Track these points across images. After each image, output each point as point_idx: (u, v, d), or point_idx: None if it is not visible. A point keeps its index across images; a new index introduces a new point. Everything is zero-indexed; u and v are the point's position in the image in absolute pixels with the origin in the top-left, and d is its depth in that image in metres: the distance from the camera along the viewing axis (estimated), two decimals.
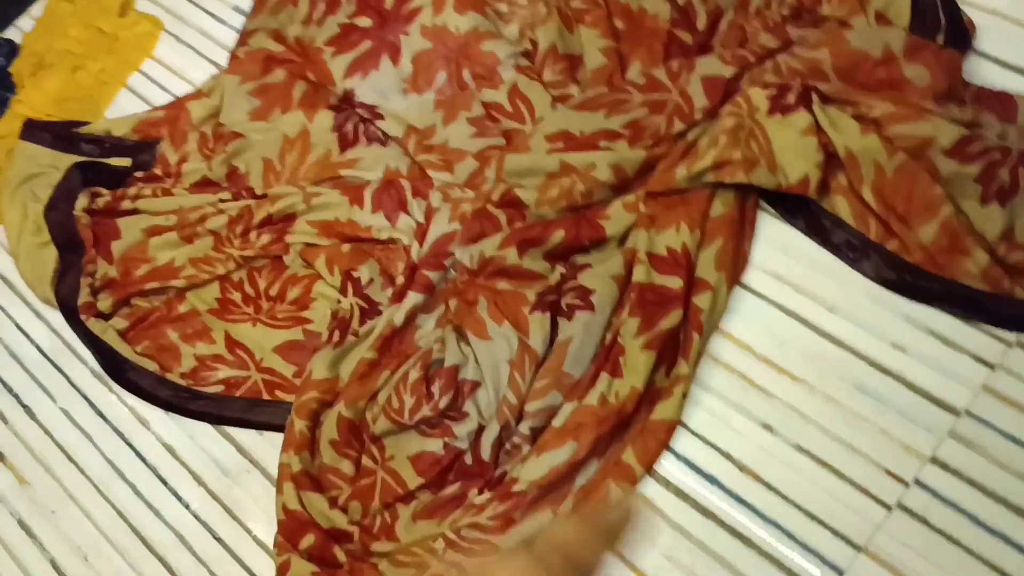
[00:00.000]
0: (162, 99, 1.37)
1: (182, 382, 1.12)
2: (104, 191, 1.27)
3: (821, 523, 0.89)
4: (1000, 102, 1.02)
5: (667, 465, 0.94)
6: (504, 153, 1.11)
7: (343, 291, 1.10)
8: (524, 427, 0.96)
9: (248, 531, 1.04)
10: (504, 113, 1.17)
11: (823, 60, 1.06)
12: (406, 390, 1.00)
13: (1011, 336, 0.92)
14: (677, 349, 0.98)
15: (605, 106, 1.11)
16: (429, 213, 1.12)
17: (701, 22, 1.17)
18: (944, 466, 0.88)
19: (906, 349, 0.94)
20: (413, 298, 1.06)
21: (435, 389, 1.00)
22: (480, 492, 0.95)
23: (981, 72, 1.06)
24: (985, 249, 0.93)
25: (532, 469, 0.93)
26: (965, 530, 0.86)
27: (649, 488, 0.94)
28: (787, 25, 1.11)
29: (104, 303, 1.18)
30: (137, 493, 1.09)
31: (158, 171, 1.28)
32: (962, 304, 0.94)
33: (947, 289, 0.94)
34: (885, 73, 1.03)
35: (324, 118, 1.24)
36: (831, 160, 1.01)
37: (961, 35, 1.06)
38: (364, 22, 1.29)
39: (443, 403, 0.98)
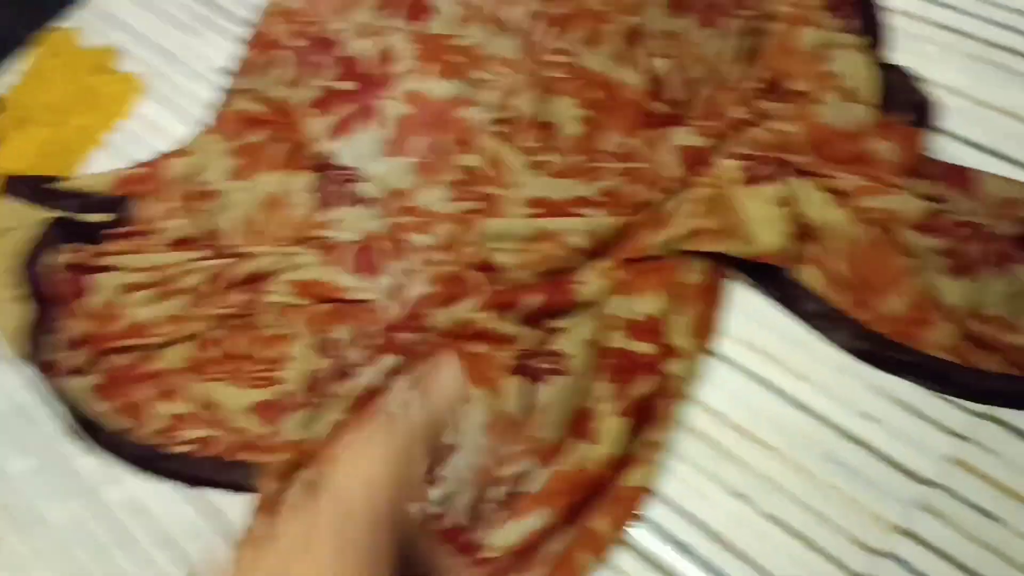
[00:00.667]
0: (142, 156, 1.37)
1: (154, 441, 1.11)
2: (82, 246, 1.27)
3: None
4: (963, 178, 1.05)
5: (639, 533, 0.94)
6: (482, 217, 1.13)
7: (319, 351, 1.10)
8: (498, 493, 0.96)
9: None
10: (482, 178, 1.19)
11: (795, 134, 1.08)
12: None
13: (978, 408, 0.93)
14: (651, 416, 0.98)
15: (582, 174, 1.13)
16: (406, 275, 1.12)
17: (676, 93, 1.20)
18: (914, 537, 0.89)
19: (876, 419, 0.95)
20: (389, 360, 1.06)
21: None
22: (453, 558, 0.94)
23: (945, 149, 1.09)
24: (953, 322, 0.95)
25: (505, 535, 0.93)
26: None
27: (621, 556, 0.93)
28: (759, 99, 1.13)
29: (78, 359, 1.17)
30: (105, 552, 1.08)
31: (137, 227, 1.28)
32: (930, 376, 0.95)
33: (916, 360, 0.95)
34: (855, 148, 1.06)
35: (303, 179, 1.25)
36: (802, 231, 1.03)
37: (926, 113, 1.09)
38: (347, 86, 1.31)
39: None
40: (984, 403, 0.94)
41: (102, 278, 1.24)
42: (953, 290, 0.96)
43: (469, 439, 0.98)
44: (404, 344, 1.07)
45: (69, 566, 1.07)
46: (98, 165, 1.39)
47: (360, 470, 0.40)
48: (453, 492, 0.98)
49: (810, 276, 1.01)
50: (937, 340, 0.95)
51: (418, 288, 1.10)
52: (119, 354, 1.17)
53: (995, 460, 0.91)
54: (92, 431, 1.14)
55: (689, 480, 0.96)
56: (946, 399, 0.95)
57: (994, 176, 1.04)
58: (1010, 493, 0.90)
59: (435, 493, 0.98)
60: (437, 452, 1.00)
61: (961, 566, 0.87)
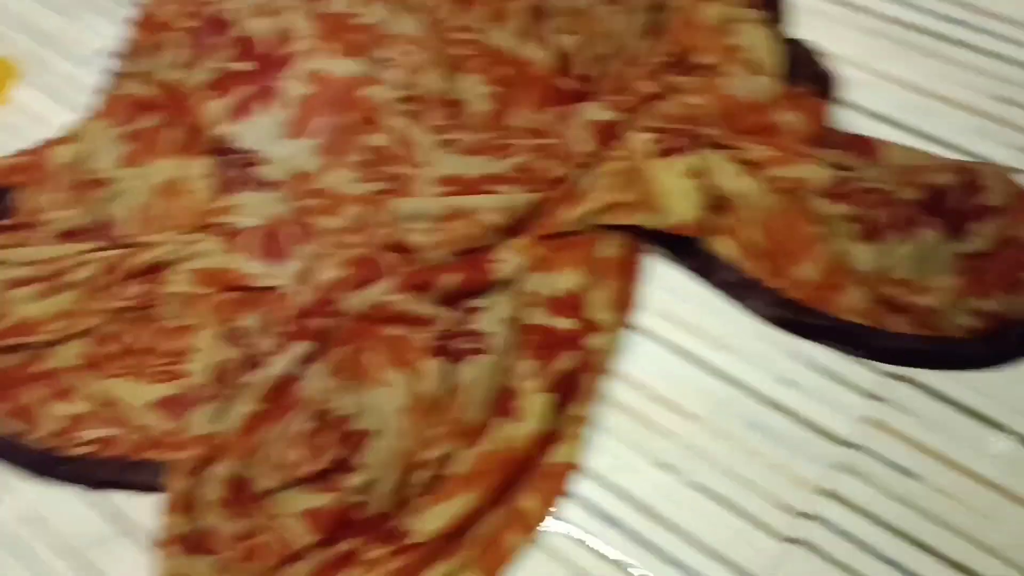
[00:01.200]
0: (20, 145, 1.28)
1: (50, 444, 1.03)
2: None
3: (722, 559, 0.89)
4: (865, 146, 1.07)
5: (567, 508, 0.93)
6: (391, 197, 1.10)
7: (227, 341, 1.05)
8: (420, 477, 0.93)
9: None
10: (389, 157, 1.16)
11: (701, 106, 1.09)
12: (294, 444, 0.96)
13: (891, 369, 0.96)
14: (573, 391, 0.97)
15: (492, 150, 1.11)
16: (316, 259, 1.08)
17: (582, 69, 1.19)
18: (835, 496, 0.90)
19: (794, 384, 0.96)
20: (299, 347, 1.02)
21: (325, 441, 0.96)
22: (375, 547, 0.91)
23: (846, 119, 1.11)
24: (864, 286, 0.97)
25: (429, 520, 0.90)
26: (859, 559, 0.87)
27: (550, 533, 0.92)
28: (665, 73, 1.14)
29: None
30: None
31: (17, 220, 1.20)
32: (843, 339, 0.97)
33: (828, 324, 0.97)
34: (759, 119, 1.08)
35: (199, 164, 1.19)
36: (715, 202, 1.04)
37: (827, 84, 1.12)
38: (243, 66, 1.26)
39: (333, 455, 0.94)
40: (897, 364, 0.96)
41: None
42: (863, 255, 0.98)
43: (389, 423, 0.95)
44: (317, 330, 1.03)
45: None
46: None
47: None
48: (374, 478, 0.94)
49: (725, 246, 1.02)
50: (850, 304, 0.97)
51: (329, 272, 1.06)
52: (5, 354, 1.09)
53: (910, 419, 0.93)
54: None
55: (615, 453, 0.95)
56: (861, 361, 0.97)
57: (895, 145, 1.07)
58: (925, 450, 0.92)
59: (355, 480, 0.94)
60: (352, 439, 0.97)
61: (883, 523, 0.89)
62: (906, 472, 0.91)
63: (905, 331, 0.95)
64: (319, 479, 0.95)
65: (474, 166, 1.10)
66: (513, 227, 1.07)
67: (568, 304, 1.00)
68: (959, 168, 1.02)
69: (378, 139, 1.16)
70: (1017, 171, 1.04)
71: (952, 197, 0.99)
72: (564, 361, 0.96)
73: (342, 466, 0.95)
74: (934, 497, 0.90)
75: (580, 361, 0.98)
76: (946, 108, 1.10)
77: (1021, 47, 1.13)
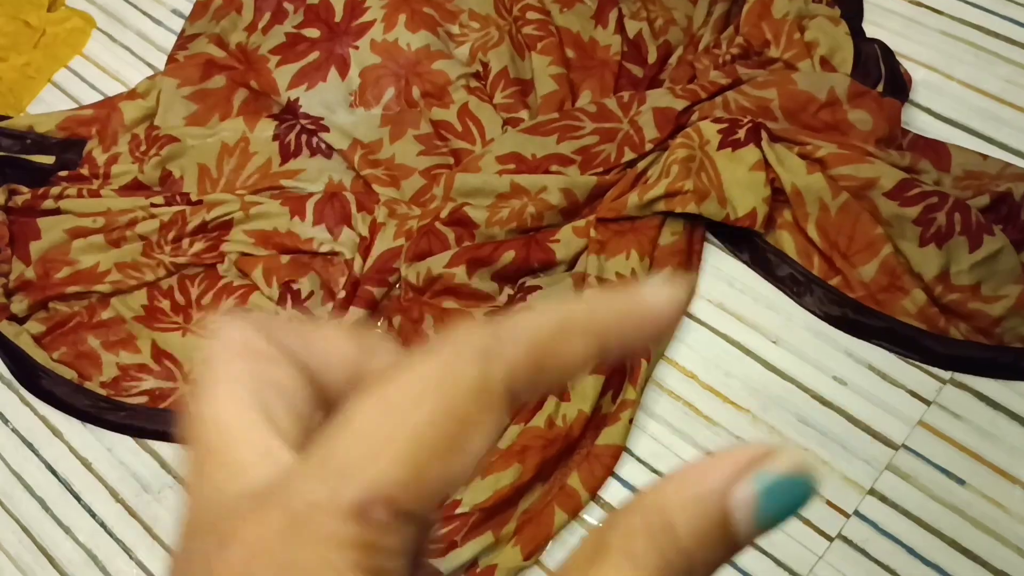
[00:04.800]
0: (91, 98, 1.31)
1: (102, 392, 1.06)
2: (23, 189, 1.20)
3: (765, 553, 0.89)
4: (934, 150, 1.06)
5: (612, 491, 0.93)
6: (454, 172, 1.10)
7: (281, 303, 1.06)
8: None
9: (169, 551, 0.98)
10: (453, 132, 1.16)
11: (771, 100, 1.08)
12: None
13: (945, 374, 0.95)
14: (624, 375, 0.98)
15: (556, 131, 1.11)
16: (374, 228, 1.09)
17: (651, 56, 1.19)
18: (883, 498, 0.90)
19: (846, 383, 0.96)
20: (355, 313, 1.03)
21: None
22: None
23: (916, 121, 1.10)
24: (922, 289, 0.96)
25: (475, 492, 0.91)
26: (902, 561, 0.87)
27: (594, 514, 0.93)
28: (736, 64, 1.13)
29: (19, 306, 1.11)
30: (46, 508, 1.03)
31: (84, 171, 1.22)
32: (900, 341, 0.96)
33: (886, 326, 0.97)
34: (829, 116, 1.07)
35: (265, 127, 1.21)
36: (777, 196, 1.03)
37: (899, 85, 1.11)
38: (312, 33, 1.27)
39: None
40: (951, 369, 0.95)
41: (46, 222, 1.18)
42: (924, 258, 0.97)
43: None
44: (370, 298, 1.04)
45: (6, 521, 1.02)
46: (47, 105, 1.31)
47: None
48: None
49: (786, 241, 1.02)
50: (907, 306, 0.97)
51: (388, 242, 1.07)
52: (69, 300, 1.11)
53: (962, 425, 0.93)
54: (33, 381, 1.08)
55: (662, 439, 0.96)
56: (915, 364, 0.96)
57: (963, 149, 1.05)
58: (973, 456, 0.92)
59: None
60: None
61: (927, 526, 0.89)
62: (955, 477, 0.91)
63: (964, 338, 0.95)
64: None
65: (535, 146, 1.11)
66: (574, 209, 1.07)
67: None
68: None
69: (443, 113, 1.17)
70: None
71: (1021, 206, 0.98)
72: None
73: None
74: (981, 504, 0.89)
75: None
76: (1017, 115, 1.09)
77: None
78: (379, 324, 1.04)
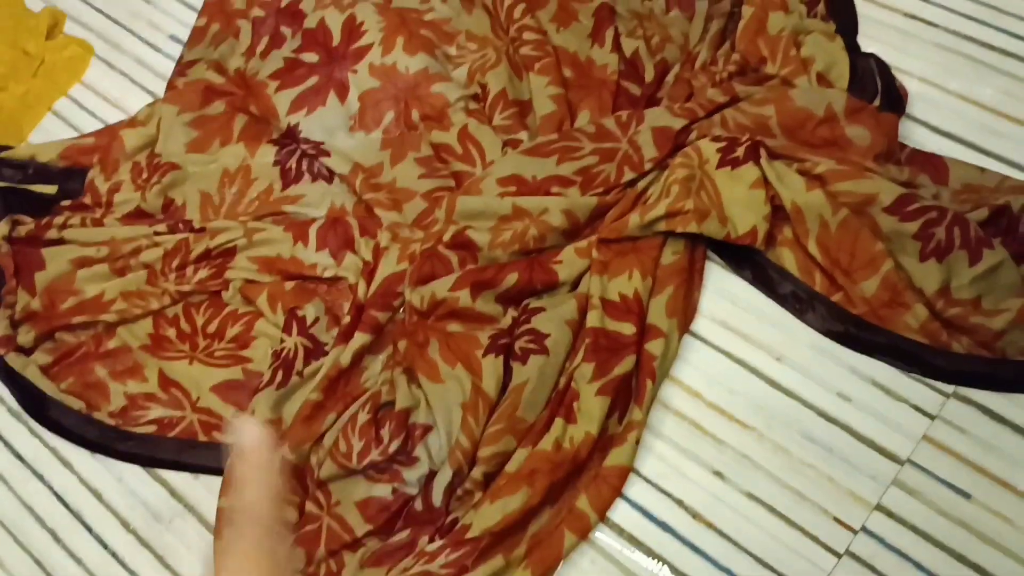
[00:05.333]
0: (92, 126, 1.32)
1: (110, 421, 1.06)
2: (27, 219, 1.21)
3: (772, 570, 0.90)
4: (932, 164, 1.07)
5: (621, 512, 0.94)
6: (455, 194, 1.11)
7: (286, 330, 1.07)
8: (477, 472, 0.94)
9: None
10: (453, 155, 1.17)
11: (769, 116, 1.09)
12: (354, 433, 0.98)
13: (948, 388, 0.96)
14: (630, 395, 0.98)
15: (556, 152, 1.12)
16: (377, 252, 1.10)
17: (649, 75, 1.20)
18: (889, 513, 0.91)
19: (851, 399, 0.97)
20: (360, 338, 1.04)
21: (384, 433, 0.97)
22: (431, 539, 0.93)
23: (914, 135, 1.11)
24: (924, 304, 0.97)
25: (485, 516, 0.92)
26: (910, 574, 0.88)
27: (603, 536, 0.93)
28: (733, 81, 1.14)
29: (25, 337, 1.12)
30: (56, 539, 1.03)
31: (87, 200, 1.23)
32: (903, 356, 0.97)
33: (889, 342, 0.97)
34: (828, 132, 1.07)
35: (266, 152, 1.21)
36: (777, 213, 1.04)
37: (896, 100, 1.11)
38: (310, 57, 1.28)
39: (393, 447, 0.96)
40: (954, 383, 0.96)
41: (50, 252, 1.18)
42: (925, 273, 0.98)
43: (449, 418, 0.97)
44: (375, 323, 1.05)
45: (18, 553, 1.03)
46: (48, 134, 1.32)
47: None
48: (428, 473, 0.96)
49: (788, 258, 1.02)
50: (909, 322, 0.97)
51: (391, 266, 1.08)
52: (76, 331, 1.12)
53: (967, 439, 0.93)
54: (41, 412, 1.09)
55: (669, 459, 0.96)
56: (918, 379, 0.97)
57: (961, 162, 1.06)
58: (978, 469, 0.92)
59: (411, 474, 0.96)
60: (412, 432, 0.98)
61: (934, 541, 0.89)
62: (960, 491, 0.91)
63: (966, 352, 0.95)
64: (378, 470, 0.97)
65: (535, 167, 1.11)
66: (575, 230, 1.08)
67: (628, 308, 1.01)
68: None
69: (443, 136, 1.17)
70: None
71: (1020, 218, 0.99)
72: (623, 365, 0.97)
73: (401, 458, 0.97)
74: (987, 518, 0.90)
75: (638, 366, 0.98)
76: (1015, 128, 1.09)
77: None
78: (385, 349, 1.05)
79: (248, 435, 0.55)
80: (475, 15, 1.30)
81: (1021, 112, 1.10)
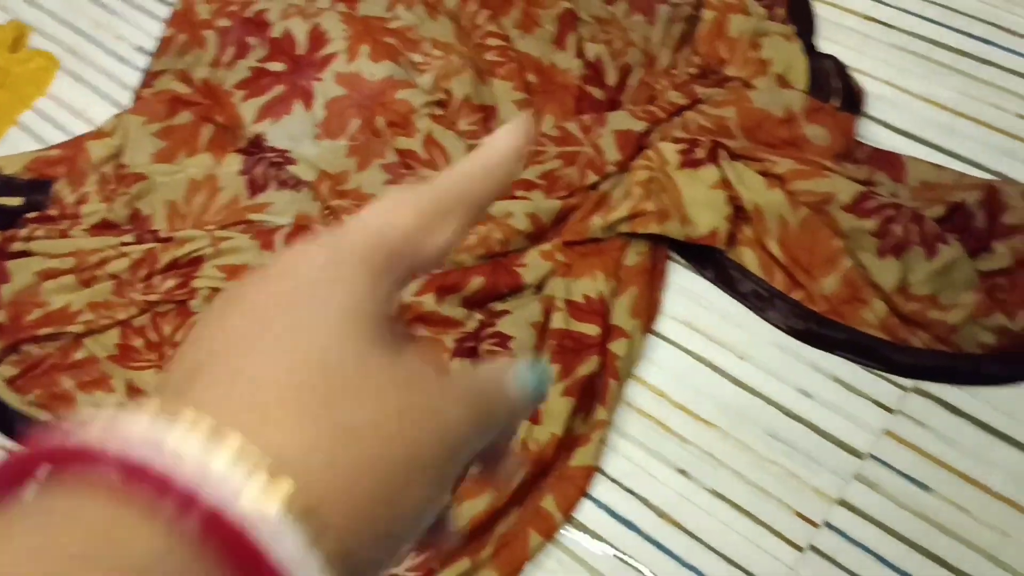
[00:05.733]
0: (58, 138, 1.31)
1: None
2: None
3: (738, 567, 0.90)
4: (890, 162, 1.08)
5: (586, 511, 0.95)
6: None
7: None
8: None
9: None
10: (419, 161, 1.18)
11: (729, 118, 1.10)
12: None
13: (908, 383, 0.97)
14: (595, 395, 0.99)
15: None
16: None
17: (611, 78, 1.21)
18: (851, 508, 0.92)
19: (812, 395, 0.98)
20: None
21: None
22: None
23: (872, 135, 1.12)
24: (883, 299, 0.98)
25: (455, 518, 0.92)
26: (872, 569, 0.89)
27: (569, 535, 0.94)
28: (694, 84, 1.15)
29: None
30: None
31: (53, 212, 1.23)
32: (863, 352, 0.98)
33: (849, 338, 0.99)
34: (787, 132, 1.09)
35: (232, 162, 1.22)
36: (738, 213, 1.05)
37: (854, 100, 1.13)
38: (276, 66, 1.28)
39: None
40: (913, 377, 0.97)
41: (16, 264, 1.18)
42: (886, 270, 0.99)
43: None
44: None
45: None
46: (13, 146, 1.32)
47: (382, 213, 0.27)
48: None
49: (748, 257, 1.04)
50: (868, 318, 0.99)
51: None
52: (42, 342, 1.11)
53: (926, 433, 0.95)
54: (8, 425, 1.08)
55: (634, 458, 0.97)
56: (878, 374, 0.98)
57: (919, 161, 1.08)
58: (938, 463, 0.93)
59: None
60: None
61: (896, 534, 0.90)
62: (921, 485, 0.92)
63: (925, 346, 0.97)
64: None
65: None
66: (539, 233, 1.08)
67: (592, 310, 1.02)
68: (982, 186, 1.03)
69: (408, 142, 1.18)
70: None
71: (975, 215, 1.01)
72: (587, 365, 0.98)
73: None
74: (948, 510, 0.91)
75: (602, 366, 0.99)
76: (970, 126, 1.11)
77: None
78: None
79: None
80: (440, 22, 1.30)
81: (977, 111, 1.12)
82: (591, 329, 1.01)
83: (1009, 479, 0.92)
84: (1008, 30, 1.17)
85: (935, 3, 1.20)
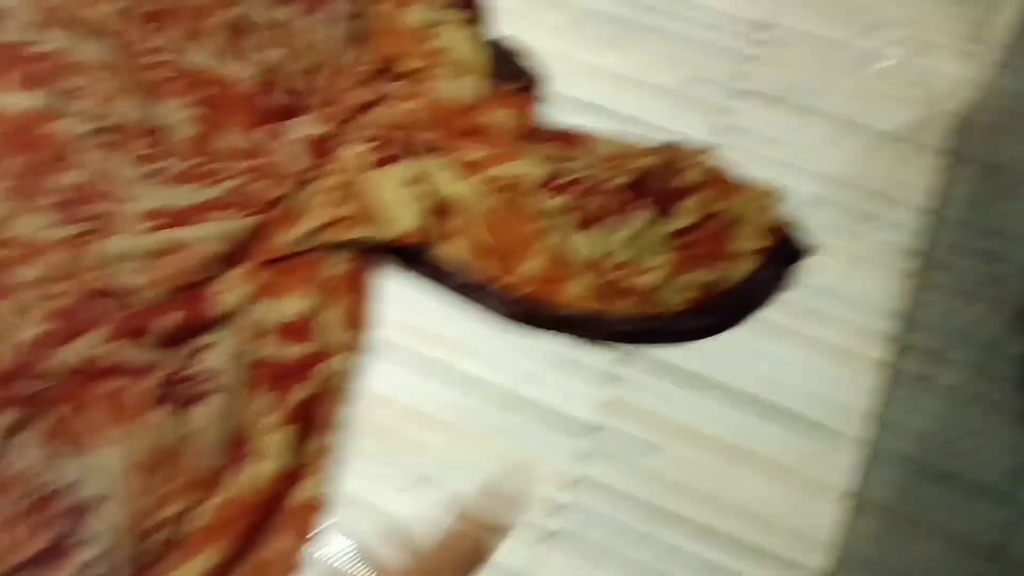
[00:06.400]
0: None
1: None
2: None
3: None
4: (576, 139, 1.11)
5: (327, 540, 0.89)
6: (96, 239, 1.01)
7: None
8: (160, 537, 0.86)
9: None
10: (89, 196, 1.06)
11: (414, 111, 1.08)
12: (8, 527, 0.86)
13: (623, 348, 0.99)
14: (315, 420, 0.93)
15: (203, 176, 1.05)
16: (12, 316, 0.97)
17: (291, 84, 1.15)
18: (586, 483, 0.93)
19: (535, 378, 0.98)
20: (4, 417, 0.91)
21: (43, 518, 0.86)
22: None
23: (554, 112, 1.14)
24: (587, 272, 1.00)
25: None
26: (620, 540, 0.90)
27: (310, 566, 0.88)
28: (376, 81, 1.12)
29: None
30: None
31: None
32: (576, 327, 0.99)
33: (561, 315, 0.99)
34: (474, 119, 1.08)
35: None
36: (437, 207, 1.03)
37: (532, 80, 1.14)
38: None
39: (56, 532, 0.85)
40: (627, 343, 1.00)
41: None
42: (583, 244, 1.01)
43: (117, 486, 0.87)
44: (23, 395, 0.93)
45: None
46: None
47: None
48: (109, 548, 0.86)
49: (453, 250, 1.02)
50: (577, 293, 1.00)
51: (31, 328, 0.96)
52: None
53: (645, 395, 0.97)
54: None
55: (371, 474, 0.93)
56: (595, 347, 0.99)
57: (601, 136, 1.10)
58: (663, 423, 0.96)
59: (87, 554, 0.86)
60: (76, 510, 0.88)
61: (633, 500, 0.92)
62: (649, 446, 0.95)
63: (630, 312, 0.99)
64: (43, 562, 0.85)
65: (184, 196, 1.03)
66: (233, 255, 1.01)
67: (299, 330, 0.96)
68: (660, 150, 1.07)
69: (73, 177, 1.06)
70: (711, 148, 1.10)
71: (657, 179, 1.04)
72: (300, 391, 0.92)
73: (69, 543, 0.86)
74: (677, 467, 0.94)
75: (317, 388, 0.94)
76: (645, 94, 1.16)
77: (709, 29, 1.20)
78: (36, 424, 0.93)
79: None
80: (98, 42, 1.18)
81: (650, 76, 1.17)
82: (302, 350, 0.95)
83: (724, 424, 0.96)
84: None
85: None
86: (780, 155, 1.11)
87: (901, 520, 0.86)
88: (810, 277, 1.03)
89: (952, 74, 1.17)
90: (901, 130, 1.13)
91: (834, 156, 1.11)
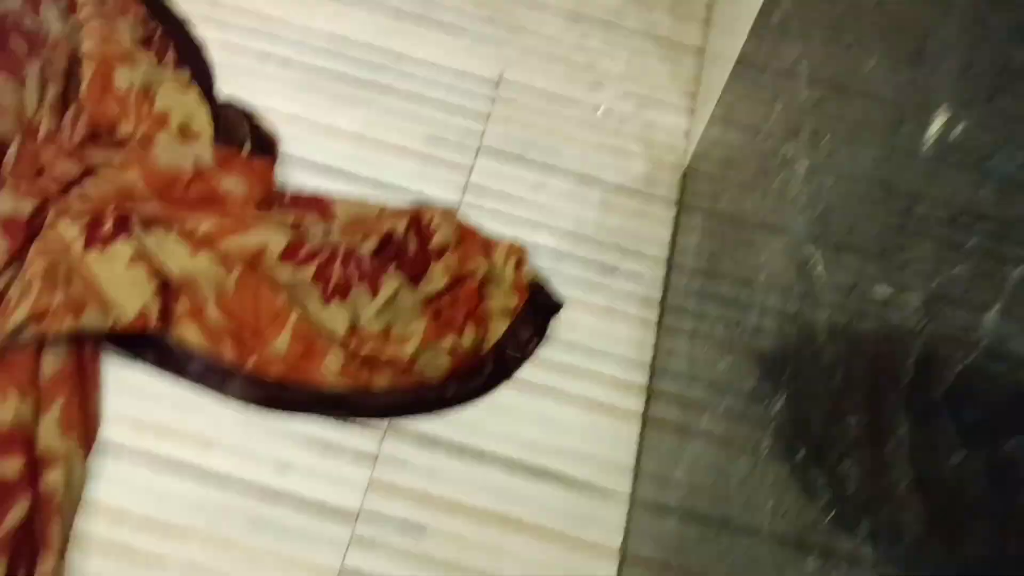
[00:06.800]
0: None
1: None
2: None
3: None
4: (316, 203, 1.05)
5: None
6: None
7: None
8: None
9: None
10: None
11: (134, 181, 0.98)
12: None
13: (382, 424, 0.94)
14: (34, 544, 0.81)
15: None
16: None
17: None
18: (357, 573, 0.86)
19: (291, 465, 0.91)
20: None
21: None
22: None
23: (292, 176, 1.07)
24: (338, 346, 0.94)
25: None
26: None
27: None
28: (87, 148, 1.00)
29: None
30: None
31: None
32: (330, 406, 0.93)
33: (313, 396, 0.93)
34: (202, 187, 1.00)
35: None
36: (166, 287, 0.93)
37: (267, 143, 1.07)
38: None
39: None
40: (385, 417, 0.95)
41: None
42: (331, 315, 0.95)
43: None
44: None
45: None
46: None
47: None
48: None
49: (190, 333, 0.93)
50: (332, 369, 0.94)
51: None
52: None
53: (408, 473, 0.92)
54: None
55: None
56: (351, 424, 0.94)
57: (346, 199, 1.05)
58: (429, 500, 0.92)
59: None
60: None
61: None
62: (417, 527, 0.90)
63: (389, 385, 0.94)
64: None
65: None
66: None
67: (12, 440, 0.83)
68: (407, 212, 1.04)
69: None
70: (455, 208, 1.08)
71: (404, 242, 1.01)
72: (15, 513, 0.79)
73: None
74: (447, 545, 0.90)
75: (37, 506, 0.81)
76: (384, 154, 1.12)
77: (440, 88, 1.19)
78: None
79: None
80: None
81: (387, 136, 1.13)
82: (13, 465, 0.82)
83: (493, 493, 0.93)
84: (405, 57, 1.20)
85: (329, 34, 1.19)
86: (522, 212, 1.11)
87: (670, 572, 0.86)
88: (562, 332, 1.03)
89: (674, 127, 1.23)
90: (633, 182, 1.17)
91: (573, 211, 1.13)
